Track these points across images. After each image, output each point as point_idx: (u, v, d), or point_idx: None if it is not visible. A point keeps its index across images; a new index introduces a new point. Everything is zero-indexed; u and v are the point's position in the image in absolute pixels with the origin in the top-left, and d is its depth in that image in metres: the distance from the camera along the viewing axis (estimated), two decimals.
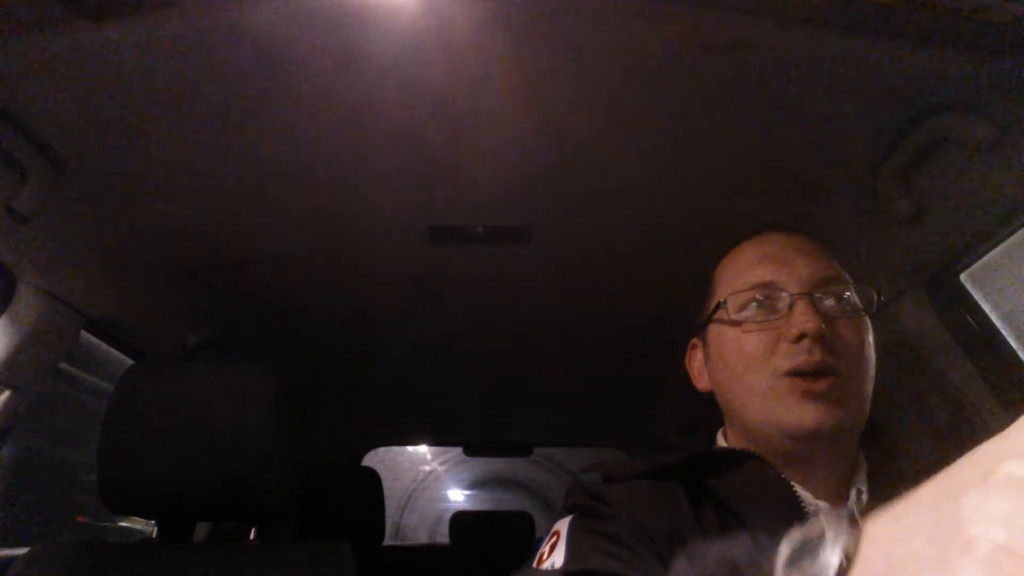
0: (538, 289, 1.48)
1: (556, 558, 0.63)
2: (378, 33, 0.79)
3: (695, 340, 0.82)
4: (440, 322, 1.67)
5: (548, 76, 0.86)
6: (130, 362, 1.51)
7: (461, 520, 2.52)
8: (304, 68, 0.84)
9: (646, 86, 0.88)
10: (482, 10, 0.76)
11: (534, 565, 0.66)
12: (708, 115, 0.93)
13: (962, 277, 1.18)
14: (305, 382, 1.89)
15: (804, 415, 0.67)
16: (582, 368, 1.98)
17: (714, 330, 0.77)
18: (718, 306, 0.76)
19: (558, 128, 0.97)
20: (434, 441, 3.32)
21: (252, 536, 2.17)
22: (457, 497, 7.58)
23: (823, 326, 0.68)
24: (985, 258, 1.13)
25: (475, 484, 7.61)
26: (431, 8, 0.76)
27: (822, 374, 0.67)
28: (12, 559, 1.03)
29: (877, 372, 0.72)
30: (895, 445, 0.76)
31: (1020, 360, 1.13)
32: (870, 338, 0.72)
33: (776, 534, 0.60)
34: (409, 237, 1.26)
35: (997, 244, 1.09)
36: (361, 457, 2.71)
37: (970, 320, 1.16)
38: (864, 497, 0.68)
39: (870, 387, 0.71)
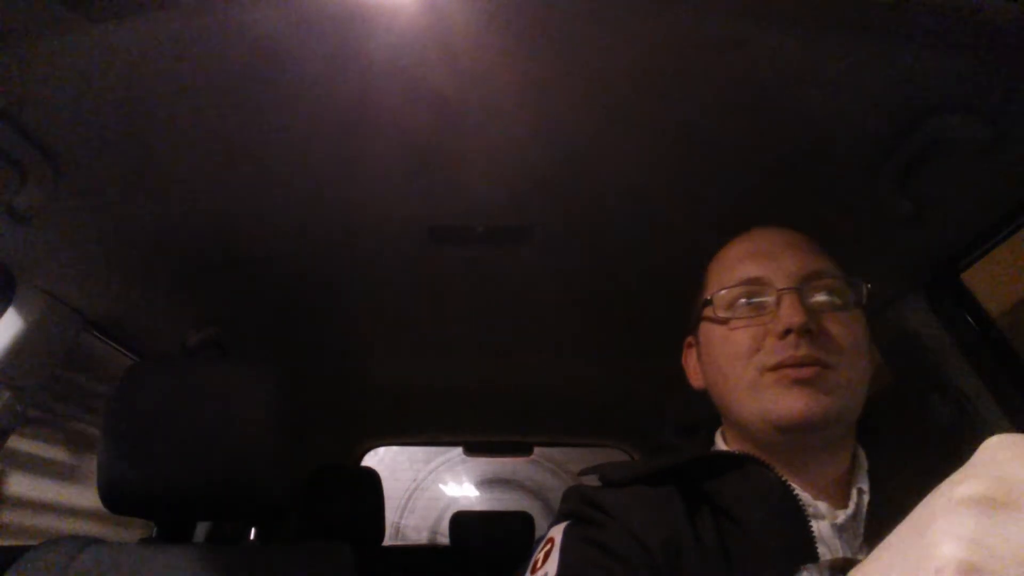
0: (538, 289, 1.48)
1: (549, 567, 0.63)
2: (378, 33, 0.79)
3: (690, 338, 0.82)
4: (440, 322, 1.67)
5: (548, 76, 0.86)
6: (130, 362, 1.52)
7: (461, 520, 2.52)
8: (304, 68, 0.84)
9: (646, 86, 0.88)
10: (482, 10, 0.76)
11: (529, 573, 0.66)
12: (708, 115, 0.93)
13: (962, 277, 1.18)
14: (305, 382, 1.89)
15: (792, 403, 0.66)
16: (582, 368, 1.98)
17: (704, 328, 0.77)
18: (706, 303, 0.76)
19: (558, 128, 0.97)
20: (434, 441, 3.32)
21: (252, 536, 2.17)
22: (456, 497, 7.59)
23: (809, 321, 0.67)
24: (985, 258, 1.13)
25: (475, 484, 7.62)
26: (431, 8, 0.75)
27: (808, 365, 0.67)
28: (11, 558, 1.03)
29: (880, 371, 0.72)
30: (896, 444, 0.76)
31: (1020, 360, 1.13)
32: (861, 331, 0.71)
33: (775, 538, 0.61)
34: (409, 237, 1.26)
35: (997, 244, 1.09)
36: (361, 457, 2.71)
37: (970, 320, 1.16)
38: (865, 497, 0.68)
39: (862, 380, 0.70)
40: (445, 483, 7.58)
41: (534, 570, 0.65)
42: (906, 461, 0.70)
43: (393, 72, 0.85)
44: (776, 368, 0.68)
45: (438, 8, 0.76)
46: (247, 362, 1.14)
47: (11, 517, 2.94)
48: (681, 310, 0.85)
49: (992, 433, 0.32)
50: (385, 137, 0.98)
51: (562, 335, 1.74)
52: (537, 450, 3.10)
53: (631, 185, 1.11)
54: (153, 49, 0.80)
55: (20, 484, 2.93)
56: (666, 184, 1.10)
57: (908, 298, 1.20)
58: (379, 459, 2.69)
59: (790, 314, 0.67)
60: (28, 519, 2.94)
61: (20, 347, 1.12)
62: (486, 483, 7.58)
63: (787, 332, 0.67)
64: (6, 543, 1.05)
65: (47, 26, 0.74)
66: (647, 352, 1.52)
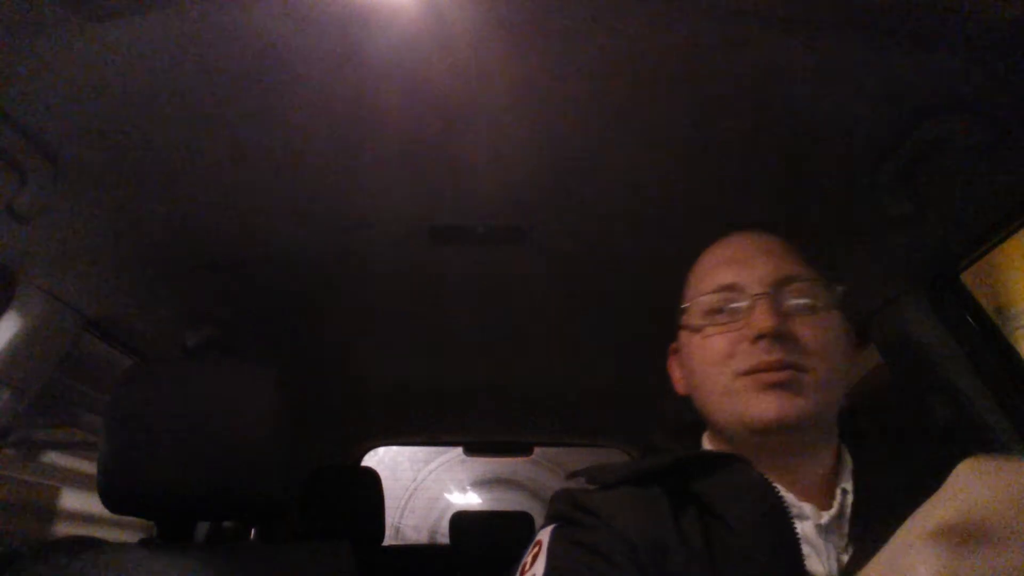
0: (538, 289, 1.48)
1: (537, 569, 0.64)
2: (378, 33, 0.79)
3: (673, 345, 0.83)
4: (440, 322, 1.67)
5: (548, 76, 0.86)
6: (130, 362, 1.52)
7: (461, 520, 2.52)
8: (304, 68, 0.84)
9: (646, 86, 0.88)
10: (482, 10, 0.76)
11: (518, 575, 0.67)
12: (708, 115, 0.93)
13: (962, 277, 1.18)
14: (305, 382, 1.89)
15: (766, 406, 0.67)
16: (582, 368, 1.99)
17: (683, 335, 0.78)
18: (684, 310, 0.77)
19: (558, 128, 0.97)
20: (434, 441, 3.32)
21: (252, 536, 2.17)
22: (456, 497, 7.59)
23: (781, 325, 0.68)
24: (985, 258, 1.13)
25: (475, 484, 7.62)
26: (431, 8, 0.76)
27: (781, 368, 0.67)
28: (11, 559, 1.03)
29: (879, 371, 0.72)
30: (885, 444, 0.76)
31: (1020, 360, 1.13)
32: (836, 332, 0.71)
33: (760, 539, 0.61)
34: (409, 237, 1.26)
35: (997, 244, 1.09)
36: (361, 457, 2.71)
37: (970, 320, 1.16)
38: (849, 497, 0.68)
39: (838, 380, 0.70)
40: (445, 483, 7.58)
41: (523, 572, 0.66)
42: (896, 461, 0.70)
43: (393, 72, 0.85)
44: (749, 373, 0.68)
45: (438, 8, 0.76)
46: (247, 362, 1.14)
47: (67, 528, 3.01)
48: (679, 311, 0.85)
49: (992, 434, 0.32)
50: (385, 137, 0.98)
51: (562, 335, 1.74)
52: (537, 450, 3.10)
53: (631, 185, 1.11)
54: (153, 49, 0.80)
55: (75, 499, 3.01)
56: (665, 184, 1.10)
57: (908, 298, 1.20)
58: (379, 459, 2.69)
59: (762, 319, 0.68)
60: (83, 531, 3.03)
61: (20, 347, 1.12)
62: (486, 483, 7.59)
63: (760, 337, 0.68)
64: None
65: (47, 26, 0.74)
66: (646, 352, 1.52)
